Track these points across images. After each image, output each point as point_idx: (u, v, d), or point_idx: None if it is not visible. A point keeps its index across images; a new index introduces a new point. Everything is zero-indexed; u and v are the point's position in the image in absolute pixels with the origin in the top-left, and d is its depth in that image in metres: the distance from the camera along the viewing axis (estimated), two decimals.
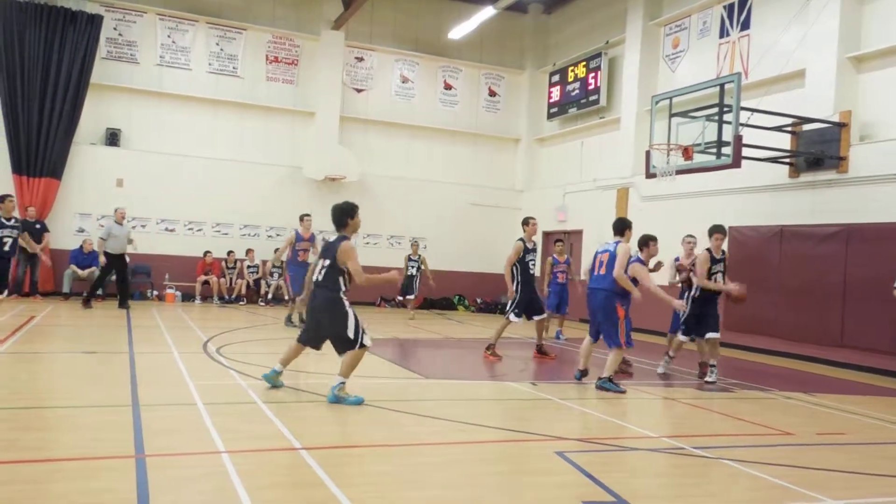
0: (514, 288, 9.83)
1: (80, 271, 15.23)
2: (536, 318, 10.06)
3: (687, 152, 11.09)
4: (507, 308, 10.05)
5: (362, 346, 6.28)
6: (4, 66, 15.45)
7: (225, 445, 4.71)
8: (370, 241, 18.44)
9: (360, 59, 19.02)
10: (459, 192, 19.56)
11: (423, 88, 19.64)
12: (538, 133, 20.22)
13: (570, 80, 18.51)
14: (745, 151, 10.74)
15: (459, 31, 17.87)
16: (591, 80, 17.68)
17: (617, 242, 7.83)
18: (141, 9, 16.94)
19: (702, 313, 8.76)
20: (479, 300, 19.41)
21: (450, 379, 8.41)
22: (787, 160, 11.95)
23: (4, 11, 15.45)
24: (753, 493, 4.43)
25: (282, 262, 14.16)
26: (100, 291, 15.08)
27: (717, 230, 8.85)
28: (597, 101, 17.48)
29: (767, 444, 5.78)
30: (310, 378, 7.92)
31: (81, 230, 16.15)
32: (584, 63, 17.98)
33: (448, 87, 19.92)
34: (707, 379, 8.66)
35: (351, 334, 6.23)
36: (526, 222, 10.18)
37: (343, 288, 6.32)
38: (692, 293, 8.86)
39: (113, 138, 16.68)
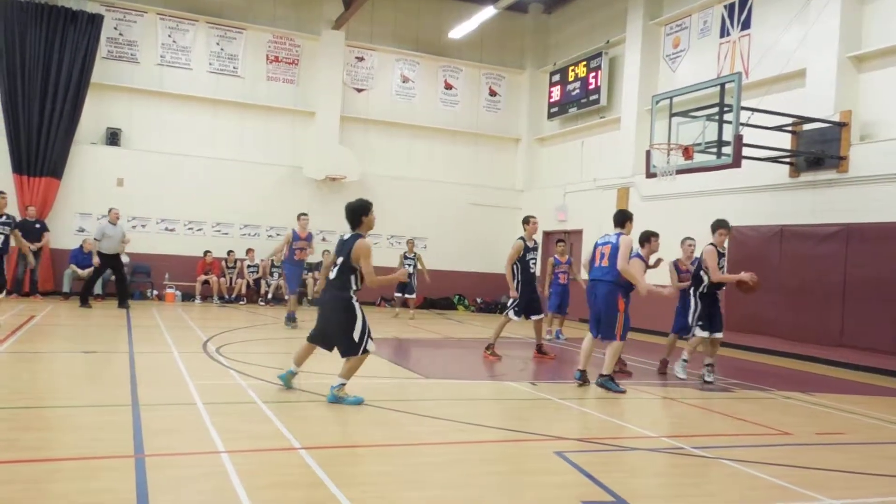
0: (515, 287, 9.84)
1: (80, 271, 15.23)
2: (535, 317, 10.06)
3: (687, 152, 11.09)
4: (508, 306, 10.07)
5: (365, 351, 6.24)
6: (5, 66, 15.46)
7: (224, 445, 4.72)
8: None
9: (361, 59, 19.02)
10: (460, 192, 19.56)
11: (423, 88, 19.64)
12: (538, 133, 20.22)
13: (570, 79, 18.51)
14: (746, 151, 10.74)
15: (460, 30, 17.87)
16: (592, 80, 17.68)
17: (619, 234, 7.75)
18: (141, 8, 16.95)
19: (710, 312, 8.69)
20: (479, 300, 19.41)
21: (449, 379, 8.41)
22: (788, 160, 11.94)
23: (5, 11, 15.46)
24: (752, 493, 4.43)
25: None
26: (100, 291, 15.11)
27: (722, 225, 8.72)
28: (597, 101, 17.48)
29: (766, 443, 5.78)
30: (310, 378, 7.91)
31: (82, 230, 16.15)
32: (584, 63, 17.98)
33: (448, 86, 19.93)
34: (706, 379, 8.65)
35: (356, 338, 6.18)
36: (526, 221, 10.20)
37: (354, 287, 6.28)
38: (700, 290, 8.73)
39: (113, 138, 16.69)
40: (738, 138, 10.46)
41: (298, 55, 18.37)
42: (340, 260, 6.32)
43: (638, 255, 8.22)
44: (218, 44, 17.67)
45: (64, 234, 16.02)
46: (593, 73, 17.65)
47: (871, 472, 5.07)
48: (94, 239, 14.04)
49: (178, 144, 17.21)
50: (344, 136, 18.53)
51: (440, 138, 19.81)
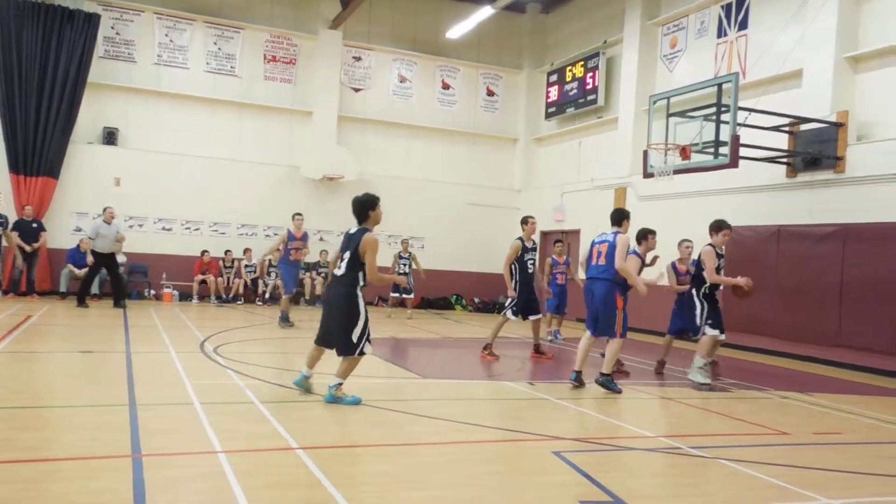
0: (513, 287, 9.85)
1: (76, 270, 15.20)
2: (532, 318, 10.07)
3: (684, 152, 11.10)
4: (506, 306, 10.07)
5: (361, 353, 6.20)
6: (1, 65, 15.43)
7: (222, 445, 4.71)
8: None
9: (358, 59, 19.01)
10: (457, 192, 19.56)
11: (421, 88, 19.64)
12: (536, 133, 20.23)
13: (567, 79, 18.52)
14: (743, 151, 10.75)
15: (457, 30, 17.86)
16: (589, 80, 17.69)
17: (616, 233, 7.71)
18: (138, 8, 16.92)
19: (714, 312, 8.60)
20: (476, 300, 19.42)
21: (447, 379, 8.41)
22: (785, 160, 11.96)
23: (1, 10, 15.42)
24: (750, 493, 4.44)
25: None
26: (97, 291, 15.08)
27: (725, 226, 8.56)
28: (594, 101, 17.50)
29: (764, 443, 5.79)
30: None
31: (79, 229, 16.13)
32: (581, 63, 17.99)
33: (446, 86, 19.92)
34: (701, 381, 8.60)
35: (355, 337, 6.13)
36: (525, 221, 10.21)
37: (361, 283, 6.22)
38: (703, 290, 8.58)
39: (110, 137, 16.66)
40: (735, 138, 10.47)
41: (296, 55, 18.36)
42: (347, 255, 6.24)
43: (635, 253, 8.22)
44: (215, 43, 17.65)
45: (61, 233, 16.00)
46: (591, 74, 17.66)
47: (868, 472, 5.08)
48: (88, 238, 14.02)
49: (175, 144, 17.19)
50: (341, 136, 18.52)
51: (438, 138, 19.81)
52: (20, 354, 8.22)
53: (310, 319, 13.86)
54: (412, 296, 15.91)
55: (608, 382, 7.58)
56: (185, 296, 16.73)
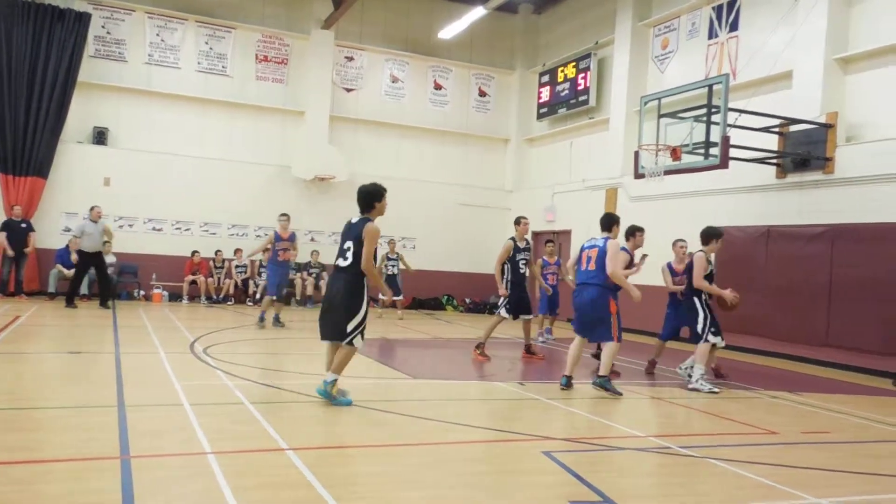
0: (505, 286, 9.86)
1: (65, 271, 15.11)
2: (524, 317, 10.08)
3: (675, 153, 11.14)
4: (499, 305, 10.08)
5: (350, 344, 6.14)
6: None
7: (211, 446, 4.69)
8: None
9: (350, 59, 18.99)
10: (449, 192, 19.57)
11: (413, 88, 19.63)
12: (528, 133, 20.26)
13: (559, 80, 18.56)
14: (733, 152, 10.80)
15: (449, 31, 17.87)
16: (581, 81, 17.74)
17: (606, 238, 7.68)
18: (129, 7, 16.85)
19: (715, 318, 8.57)
20: (467, 300, 19.42)
21: (438, 379, 8.41)
22: (775, 161, 12.02)
23: None
24: (739, 492, 4.45)
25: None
26: (86, 291, 15.01)
27: (715, 235, 8.57)
28: (586, 102, 17.54)
29: (753, 443, 5.82)
30: (296, 378, 7.90)
31: (68, 229, 16.01)
32: (573, 63, 18.03)
33: (438, 87, 19.93)
34: (692, 385, 8.59)
35: (350, 328, 6.07)
36: (518, 222, 10.22)
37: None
38: (704, 297, 8.51)
39: (100, 137, 16.58)
40: (726, 139, 10.52)
41: (288, 55, 18.32)
42: (350, 244, 6.15)
43: (623, 249, 8.22)
44: (207, 43, 17.59)
45: (50, 233, 15.91)
46: (582, 74, 17.70)
47: (855, 471, 5.10)
48: (74, 236, 13.93)
49: (166, 144, 17.12)
50: (333, 136, 18.49)
51: (429, 138, 19.81)
52: (8, 355, 8.17)
53: (301, 320, 13.83)
54: (402, 297, 15.89)
55: (606, 384, 7.50)
56: (174, 296, 16.66)
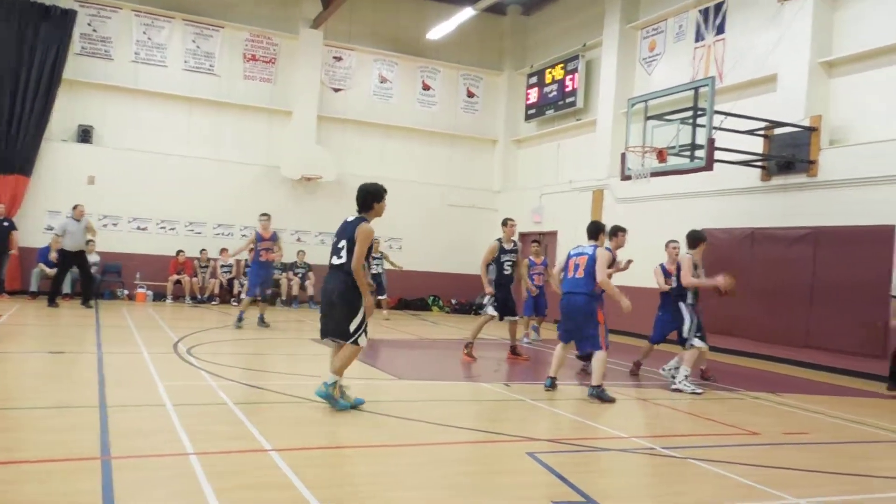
0: (490, 286, 9.88)
1: (47, 269, 14.96)
2: (509, 319, 10.09)
3: (661, 155, 11.20)
4: (485, 304, 10.07)
5: (355, 343, 5.99)
6: None
7: (194, 447, 4.67)
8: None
9: (339, 59, 18.95)
10: (436, 193, 19.57)
11: (401, 89, 19.62)
12: (515, 134, 20.30)
13: (547, 81, 18.61)
14: (718, 154, 10.86)
15: (438, 31, 17.87)
16: (569, 83, 17.79)
17: (595, 246, 7.65)
18: (116, 4, 16.73)
19: (700, 322, 8.60)
20: (453, 301, 19.42)
21: (423, 380, 8.40)
22: (759, 163, 12.11)
23: None
24: (720, 492, 4.49)
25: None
26: (68, 290, 14.88)
27: (699, 239, 8.67)
28: (574, 104, 17.60)
29: (735, 443, 5.86)
30: (281, 379, 7.88)
31: (51, 228, 15.83)
32: (561, 65, 18.09)
33: (426, 87, 19.93)
34: (675, 385, 8.62)
35: (352, 327, 5.94)
36: (505, 223, 10.24)
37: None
38: (689, 301, 8.59)
39: (85, 135, 16.44)
40: (711, 142, 10.59)
41: (276, 54, 18.26)
42: (344, 243, 6.03)
43: (607, 249, 8.24)
44: (194, 41, 17.50)
45: (33, 232, 15.74)
46: (570, 76, 17.76)
47: (834, 471, 5.16)
48: (56, 235, 13.82)
49: (152, 142, 17.01)
50: (321, 136, 18.45)
51: (417, 139, 19.80)
52: None
53: (285, 320, 13.79)
54: (386, 296, 15.87)
55: (601, 394, 7.38)
56: (159, 296, 16.55)
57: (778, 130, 11.88)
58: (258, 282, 12.09)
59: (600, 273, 7.42)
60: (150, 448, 4.70)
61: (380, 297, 15.65)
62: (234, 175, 17.58)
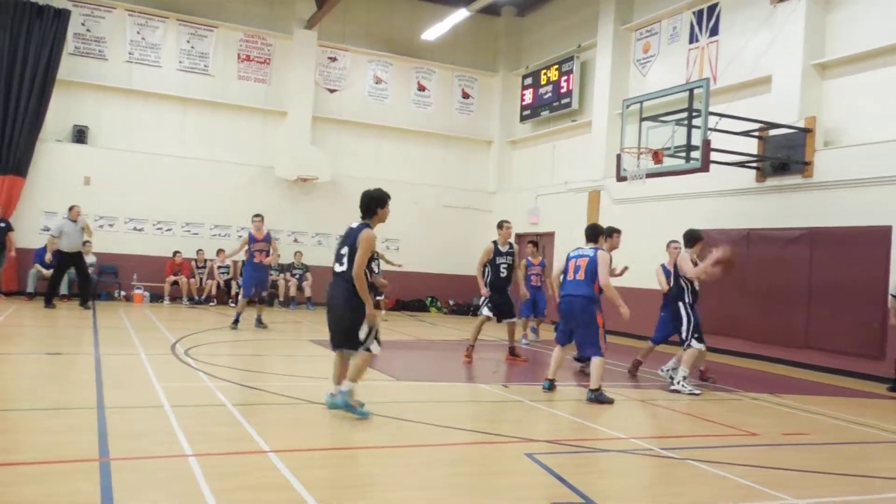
0: (486, 288, 9.88)
1: (44, 270, 14.90)
2: (507, 321, 10.07)
3: (657, 156, 11.22)
4: (480, 304, 10.07)
5: (367, 350, 5.83)
6: None
7: (192, 448, 4.66)
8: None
9: (334, 59, 18.93)
10: (432, 194, 19.56)
11: (396, 89, 19.61)
12: (511, 135, 20.32)
13: (542, 82, 18.63)
14: (714, 156, 10.89)
15: (433, 32, 17.87)
16: (564, 84, 17.82)
17: (596, 249, 7.59)
18: (110, 4, 16.68)
19: (697, 321, 8.58)
20: (451, 302, 19.42)
21: (421, 381, 8.40)
22: (754, 164, 12.15)
23: None
24: (719, 493, 4.49)
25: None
26: (65, 291, 14.82)
27: (697, 238, 8.67)
28: (569, 105, 17.63)
29: (733, 444, 5.87)
30: (278, 380, 7.87)
31: (47, 229, 15.74)
32: (556, 66, 18.11)
33: (421, 88, 19.93)
34: (674, 386, 8.64)
35: (361, 335, 5.80)
36: (500, 226, 10.23)
37: (367, 278, 5.91)
38: (688, 300, 8.58)
39: (80, 135, 16.39)
40: (706, 143, 10.62)
41: (270, 54, 18.23)
42: (346, 250, 5.93)
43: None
44: (188, 41, 17.46)
45: (29, 233, 15.67)
46: (565, 77, 17.79)
47: (834, 472, 5.17)
48: (52, 236, 13.76)
49: (146, 143, 16.96)
50: (316, 137, 18.43)
51: (412, 140, 19.80)
52: None
53: (283, 322, 13.77)
54: (383, 296, 15.85)
55: (600, 396, 7.33)
56: (156, 297, 16.51)
57: (772, 132, 11.92)
58: (252, 283, 12.06)
59: (603, 276, 7.38)
60: (148, 449, 4.68)
61: (378, 298, 15.63)
62: (229, 176, 17.54)
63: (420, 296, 19.19)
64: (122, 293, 16.36)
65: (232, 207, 17.35)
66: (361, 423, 5.76)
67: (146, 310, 14.77)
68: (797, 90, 11.78)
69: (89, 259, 15.24)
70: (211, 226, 17.51)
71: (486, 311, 9.94)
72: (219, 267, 17.04)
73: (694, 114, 10.96)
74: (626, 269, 9.13)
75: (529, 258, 12.63)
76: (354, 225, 6.11)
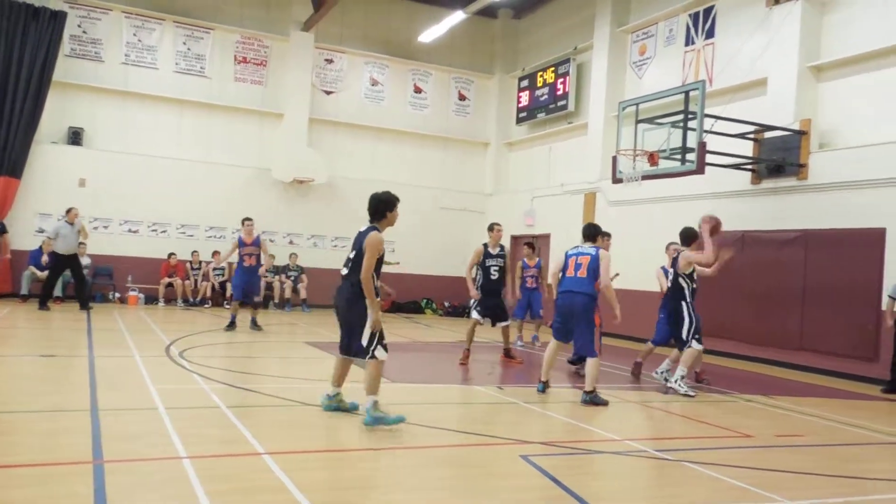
0: (477, 290, 9.86)
1: (38, 272, 14.87)
2: (501, 324, 10.02)
3: (652, 158, 11.24)
4: (470, 307, 10.06)
5: (373, 357, 5.73)
6: None
7: (186, 450, 4.65)
8: (338, 244, 18.35)
9: (330, 61, 18.93)
10: (428, 196, 19.56)
11: (392, 91, 19.62)
12: (507, 137, 20.34)
13: (539, 85, 18.66)
14: (709, 158, 10.91)
15: (430, 34, 17.89)
16: (560, 86, 17.85)
17: (597, 248, 7.58)
18: (106, 6, 16.66)
19: (698, 322, 8.56)
20: (446, 303, 19.42)
21: (416, 383, 8.39)
22: (750, 167, 12.18)
23: None
24: (714, 495, 4.50)
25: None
26: (59, 293, 14.78)
27: (697, 237, 8.68)
28: (565, 107, 17.65)
29: (728, 446, 5.88)
30: (273, 382, 7.86)
31: (41, 230, 15.77)
32: (552, 68, 18.14)
33: (418, 90, 19.94)
34: (670, 384, 8.67)
35: (364, 341, 5.73)
36: (491, 228, 10.21)
37: (374, 283, 5.85)
38: (689, 300, 8.56)
39: (75, 137, 16.36)
40: (702, 145, 10.65)
41: (267, 56, 18.23)
42: (353, 254, 5.89)
43: None
44: (185, 43, 17.44)
45: (23, 234, 15.65)
46: (561, 79, 17.82)
47: (827, 474, 5.19)
48: (48, 238, 13.72)
49: (142, 145, 16.94)
50: (312, 139, 18.42)
51: (409, 142, 19.80)
52: None
53: (278, 323, 13.75)
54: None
55: (594, 398, 7.33)
56: (151, 299, 16.48)
57: (768, 134, 11.95)
58: (241, 286, 12.06)
59: (605, 276, 7.39)
60: (142, 452, 4.68)
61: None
62: (226, 177, 17.52)
63: (416, 298, 19.18)
64: (117, 295, 16.33)
65: (228, 209, 17.30)
66: (356, 425, 5.75)
67: (141, 312, 14.74)
68: (792, 93, 11.82)
69: (84, 261, 15.20)
70: (206, 227, 17.48)
71: (475, 315, 9.89)
72: (214, 269, 17.01)
73: (690, 116, 10.99)
74: (616, 275, 9.12)
75: (525, 260, 12.59)
76: (363, 228, 6.02)
